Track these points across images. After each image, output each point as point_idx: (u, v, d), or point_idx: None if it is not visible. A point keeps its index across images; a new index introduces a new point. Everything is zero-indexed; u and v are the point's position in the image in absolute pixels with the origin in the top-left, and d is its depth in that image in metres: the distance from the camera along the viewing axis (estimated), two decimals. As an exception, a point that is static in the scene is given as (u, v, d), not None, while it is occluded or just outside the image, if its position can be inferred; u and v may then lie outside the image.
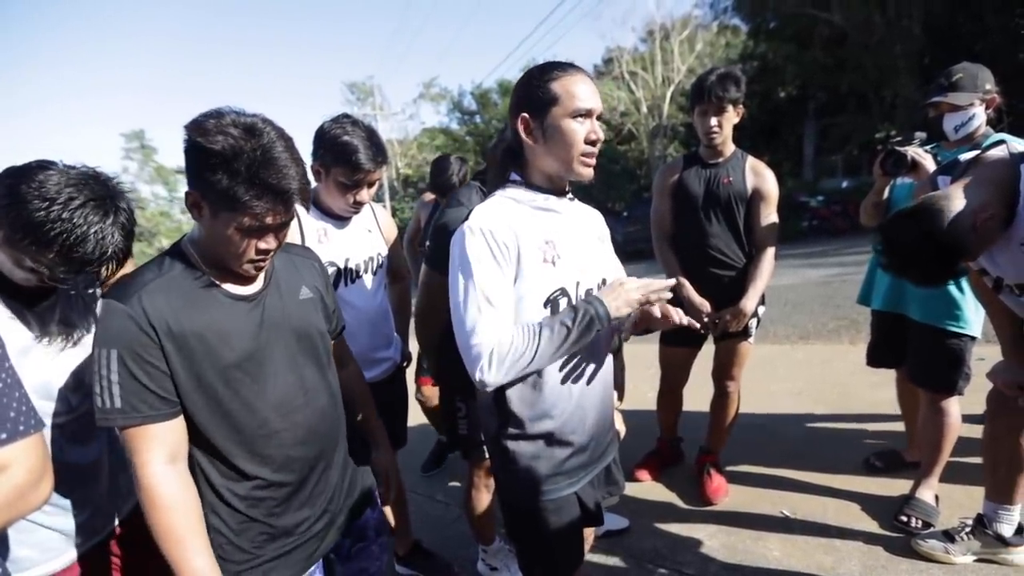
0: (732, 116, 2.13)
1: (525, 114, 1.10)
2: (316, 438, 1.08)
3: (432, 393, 2.81)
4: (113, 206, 0.99)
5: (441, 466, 3.03)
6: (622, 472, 1.39)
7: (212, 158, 0.84)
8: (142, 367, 0.89)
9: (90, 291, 1.16)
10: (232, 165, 0.85)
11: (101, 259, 0.98)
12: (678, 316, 1.17)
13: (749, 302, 2.13)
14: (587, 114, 1.08)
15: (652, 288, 1.10)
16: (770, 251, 2.18)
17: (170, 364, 0.91)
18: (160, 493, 0.89)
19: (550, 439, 1.15)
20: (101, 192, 0.97)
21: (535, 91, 1.09)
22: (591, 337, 1.07)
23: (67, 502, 1.06)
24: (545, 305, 1.10)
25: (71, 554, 1.08)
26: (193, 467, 0.97)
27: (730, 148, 2.22)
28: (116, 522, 1.17)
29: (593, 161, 1.11)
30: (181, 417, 0.94)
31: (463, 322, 1.04)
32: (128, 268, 1.19)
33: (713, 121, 2.11)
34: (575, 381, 1.15)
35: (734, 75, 2.09)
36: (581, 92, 1.07)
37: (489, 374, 1.01)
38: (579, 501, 1.20)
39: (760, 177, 2.19)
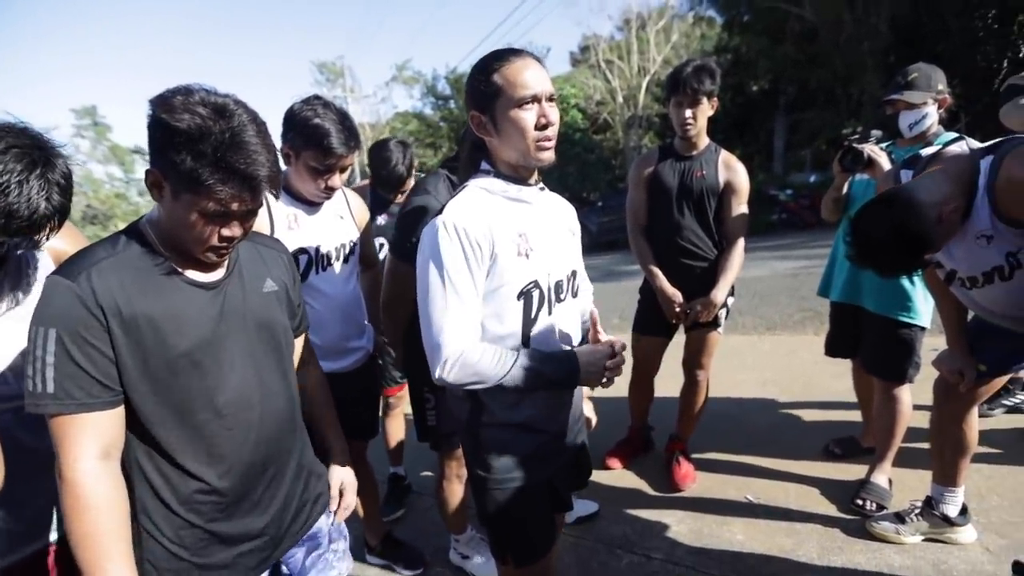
0: (706, 108, 2.15)
1: (474, 112, 1.10)
2: (268, 440, 1.02)
3: (400, 401, 2.62)
4: (43, 158, 0.91)
5: (403, 506, 2.54)
6: (590, 458, 1.41)
7: (176, 136, 0.79)
8: (83, 350, 0.82)
9: (29, 256, 1.07)
10: (198, 146, 0.80)
11: (33, 216, 0.90)
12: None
13: (719, 293, 2.18)
14: (533, 99, 1.05)
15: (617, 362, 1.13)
16: (740, 243, 2.23)
17: (116, 349, 0.85)
18: (87, 492, 0.81)
19: (521, 427, 1.15)
20: (26, 142, 0.90)
21: (479, 87, 1.08)
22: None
23: (21, 492, 1.00)
24: (519, 297, 1.10)
25: (28, 548, 1.03)
26: (131, 464, 0.91)
27: (704, 141, 2.25)
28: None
29: (550, 144, 1.08)
30: (121, 408, 0.87)
31: (430, 319, 1.04)
32: (74, 243, 1.13)
33: (688, 113, 2.13)
34: None
35: (709, 68, 2.11)
36: (523, 79, 1.04)
37: (448, 375, 1.04)
38: (549, 487, 1.21)
39: (732, 171, 2.22)
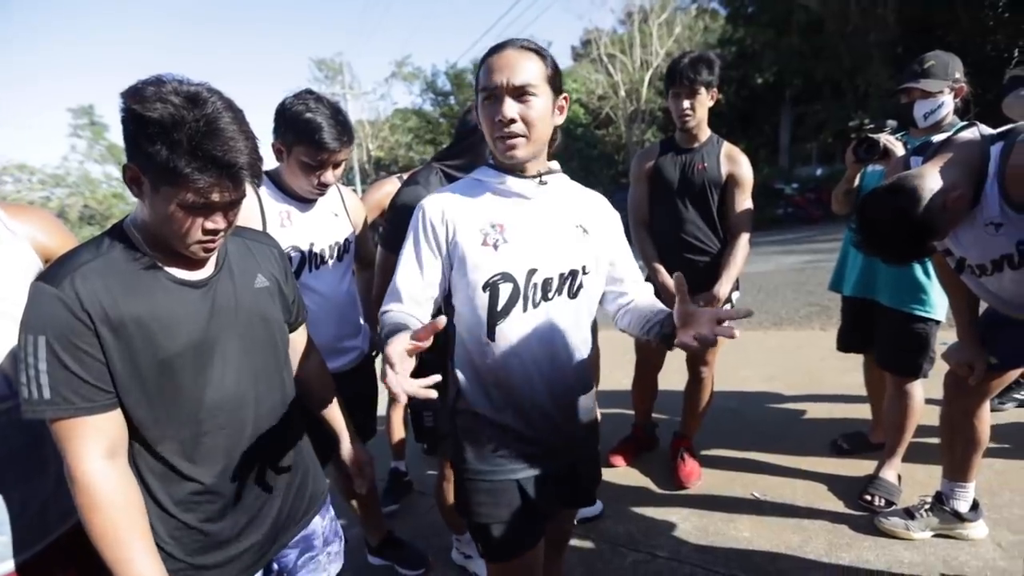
0: (705, 100, 2.11)
1: (471, 105, 1.14)
2: (263, 438, 1.01)
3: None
4: None
5: (399, 502, 2.55)
6: (598, 474, 1.32)
7: (150, 127, 0.78)
8: (74, 355, 0.82)
9: None
10: (172, 135, 0.77)
11: None
12: None
13: (723, 288, 2.14)
14: (494, 91, 0.99)
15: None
16: (744, 237, 2.19)
17: (106, 352, 0.84)
18: (98, 491, 0.82)
19: (490, 421, 1.12)
20: None
21: (475, 81, 1.09)
22: None
23: (11, 496, 0.98)
24: (484, 289, 1.06)
25: (39, 544, 1.00)
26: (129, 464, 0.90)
27: (705, 133, 2.21)
28: (67, 524, 1.09)
29: (512, 140, 1.03)
30: (119, 409, 0.87)
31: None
32: (61, 239, 1.09)
33: (686, 104, 2.10)
34: (517, 368, 1.09)
35: (707, 58, 2.07)
36: (487, 71, 1.00)
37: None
38: (524, 491, 1.13)
39: (735, 163, 2.18)
